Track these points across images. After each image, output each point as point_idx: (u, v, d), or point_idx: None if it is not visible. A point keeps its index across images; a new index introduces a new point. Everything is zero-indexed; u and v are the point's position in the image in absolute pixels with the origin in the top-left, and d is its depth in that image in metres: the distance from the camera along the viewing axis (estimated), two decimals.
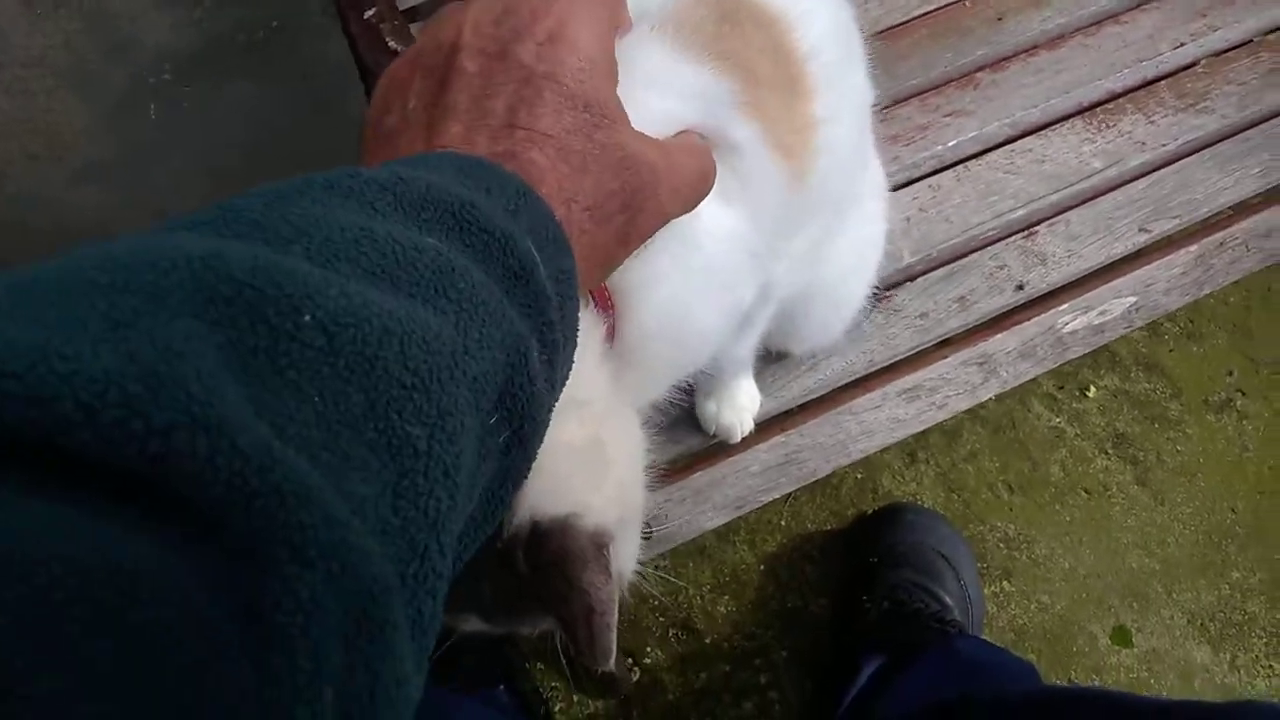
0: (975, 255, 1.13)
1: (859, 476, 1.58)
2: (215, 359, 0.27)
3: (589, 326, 0.55)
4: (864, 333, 1.07)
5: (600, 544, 0.53)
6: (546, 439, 0.43)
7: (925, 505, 1.57)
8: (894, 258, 1.12)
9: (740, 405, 1.02)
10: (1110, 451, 1.63)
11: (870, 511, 1.54)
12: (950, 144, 1.19)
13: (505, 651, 1.37)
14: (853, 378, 1.08)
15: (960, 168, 1.18)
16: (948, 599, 1.41)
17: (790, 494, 1.26)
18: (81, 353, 0.25)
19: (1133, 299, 1.14)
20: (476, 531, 0.39)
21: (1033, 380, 1.23)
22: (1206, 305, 1.70)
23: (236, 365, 0.28)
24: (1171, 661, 1.51)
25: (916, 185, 1.17)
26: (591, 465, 0.55)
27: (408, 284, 0.34)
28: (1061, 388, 1.67)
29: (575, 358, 0.46)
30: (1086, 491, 1.61)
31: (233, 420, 0.26)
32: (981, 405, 1.26)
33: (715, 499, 1.03)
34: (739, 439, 1.03)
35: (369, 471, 0.29)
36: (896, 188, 1.16)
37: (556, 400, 0.43)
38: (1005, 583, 1.55)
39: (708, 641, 1.50)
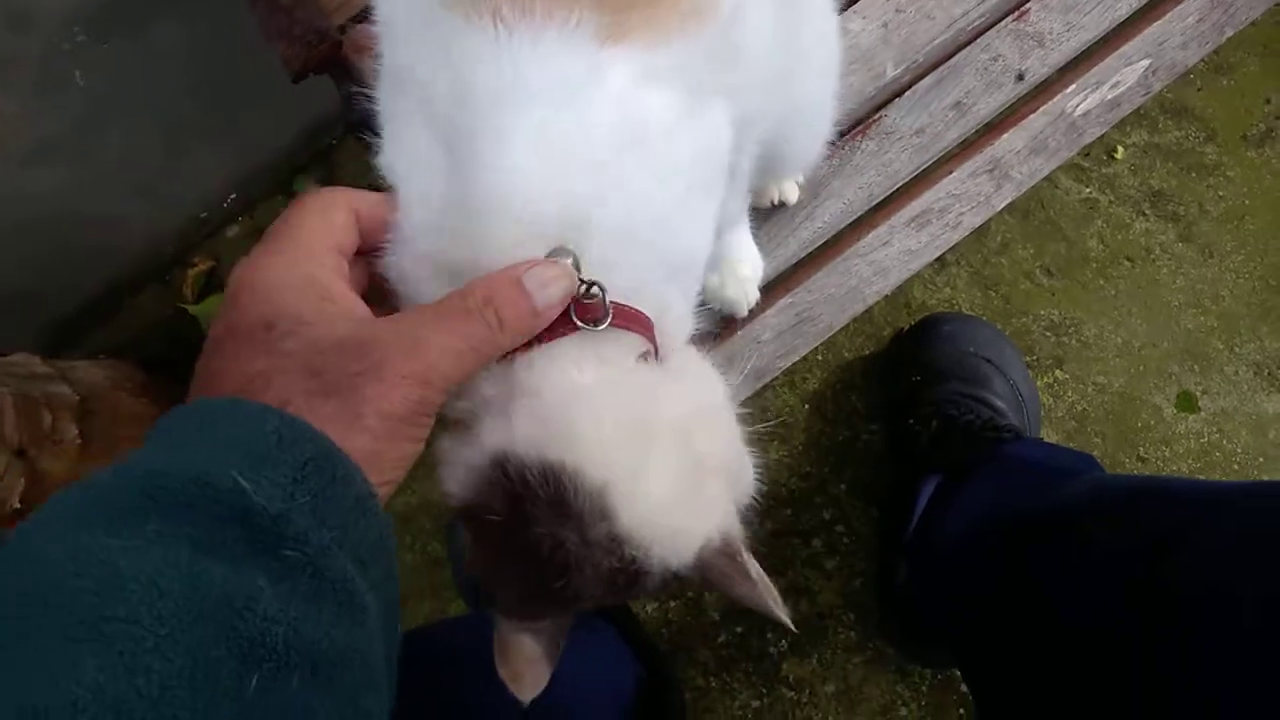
0: (965, 51, 1.03)
1: (888, 294, 1.52)
2: None
3: (627, 376, 0.56)
4: (857, 166, 0.99)
5: (731, 552, 0.56)
6: (652, 491, 0.52)
7: (962, 309, 1.51)
8: (875, 75, 1.02)
9: (743, 276, 0.95)
10: (1148, 212, 1.54)
11: (905, 329, 1.48)
12: None
13: None
14: (854, 218, 1.00)
15: None
16: (999, 403, 1.36)
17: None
18: None
19: (1146, 62, 1.04)
20: None
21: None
22: None
23: None
24: (1242, 418, 1.46)
25: None
26: (698, 500, 0.56)
27: (62, 626, 0.35)
28: (1087, 154, 1.56)
29: (638, 409, 0.54)
30: (1129, 259, 1.53)
31: None
32: None
33: (732, 376, 0.98)
34: (746, 311, 0.98)
35: None
36: None
37: (376, 579, 0.44)
38: (1058, 371, 1.50)
39: (765, 489, 1.48)
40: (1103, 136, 1.55)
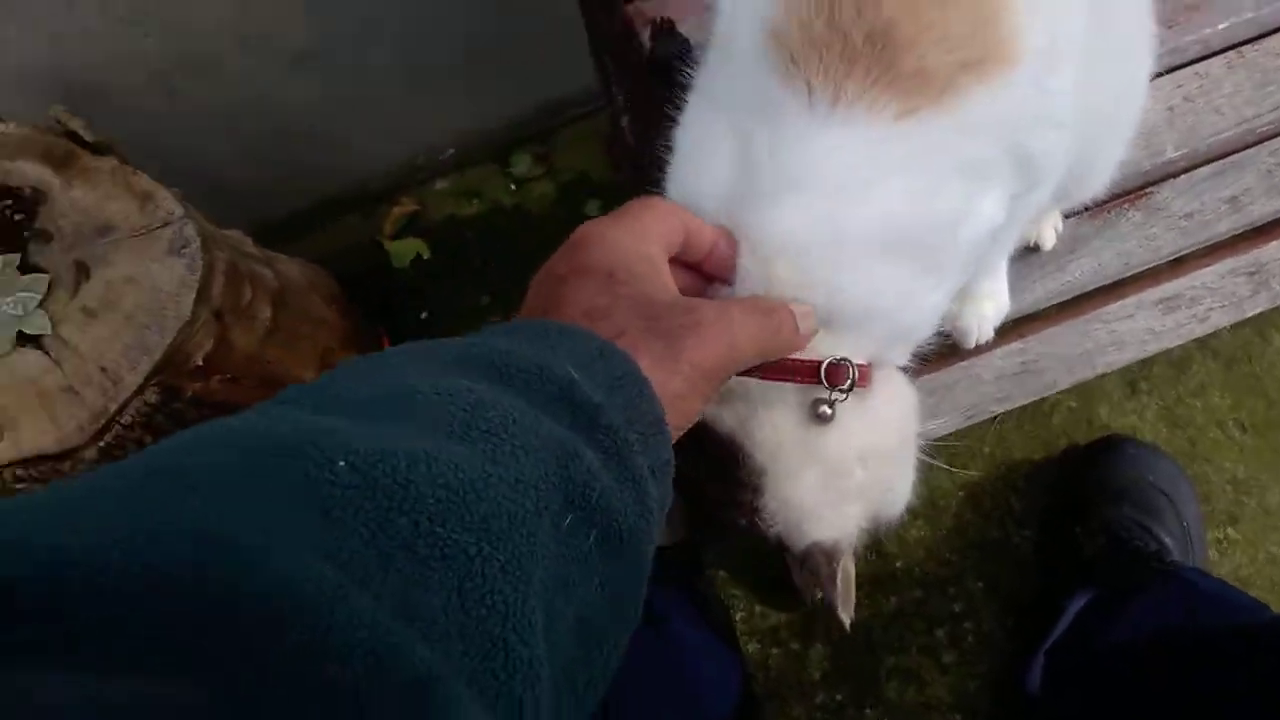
0: (1250, 151, 1.00)
1: (1073, 405, 1.47)
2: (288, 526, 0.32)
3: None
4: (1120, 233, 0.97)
5: (832, 557, 0.69)
6: (794, 494, 0.66)
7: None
8: (1154, 152, 1.00)
9: (983, 312, 0.93)
10: None
11: (1085, 443, 1.43)
12: (1221, 27, 1.05)
13: (693, 554, 1.34)
14: (1105, 281, 0.97)
15: (1232, 54, 1.05)
16: (1167, 539, 1.29)
17: (996, 417, 1.16)
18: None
19: None
20: (611, 629, 0.43)
21: (1274, 308, 1.08)
22: None
23: (293, 518, 0.33)
24: None
25: (1180, 72, 1.04)
26: (830, 514, 0.68)
27: (440, 423, 0.40)
28: None
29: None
30: None
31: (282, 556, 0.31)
32: (1214, 334, 1.14)
33: (944, 405, 0.95)
34: (973, 345, 0.95)
35: (429, 583, 0.34)
36: (1156, 76, 1.04)
37: (659, 497, 0.48)
38: (1230, 529, 1.42)
39: (899, 565, 1.43)
40: None
